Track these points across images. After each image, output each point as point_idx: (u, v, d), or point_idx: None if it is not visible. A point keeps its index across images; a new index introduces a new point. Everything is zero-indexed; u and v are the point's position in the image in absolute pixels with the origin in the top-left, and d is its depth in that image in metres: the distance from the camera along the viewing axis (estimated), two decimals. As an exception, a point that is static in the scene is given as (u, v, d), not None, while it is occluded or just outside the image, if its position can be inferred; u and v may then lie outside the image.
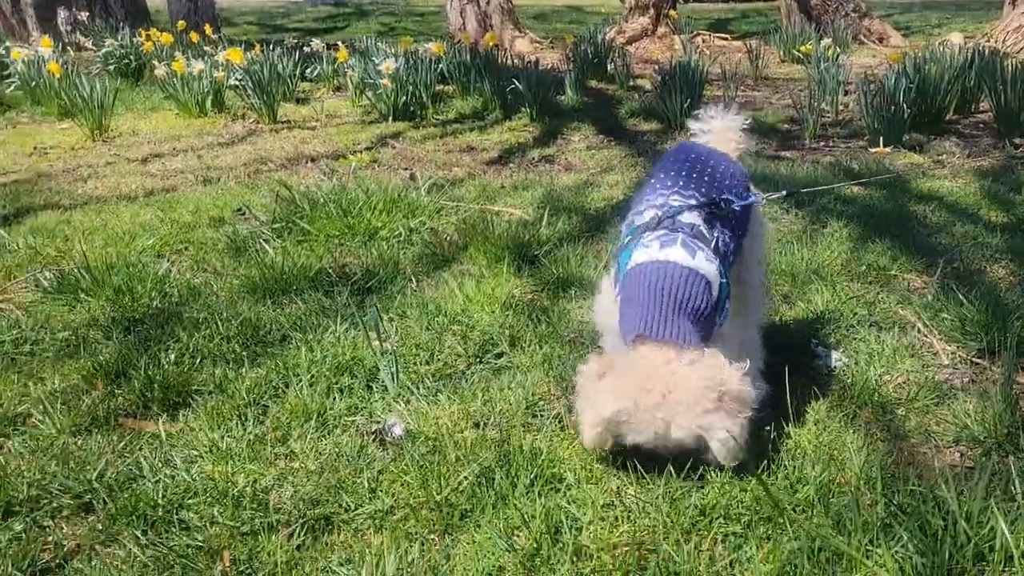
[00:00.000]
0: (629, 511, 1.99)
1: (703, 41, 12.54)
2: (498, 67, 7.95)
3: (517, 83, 7.26)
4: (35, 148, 6.46)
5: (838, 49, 8.42)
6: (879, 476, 2.03)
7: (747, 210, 2.43)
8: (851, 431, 2.31)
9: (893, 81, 5.96)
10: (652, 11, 11.98)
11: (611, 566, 1.83)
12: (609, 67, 8.99)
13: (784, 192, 2.99)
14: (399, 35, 11.68)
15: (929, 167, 5.43)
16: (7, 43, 9.57)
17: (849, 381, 2.61)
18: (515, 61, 8.32)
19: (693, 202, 2.28)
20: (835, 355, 2.80)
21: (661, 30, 12.00)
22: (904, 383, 2.63)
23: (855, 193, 4.76)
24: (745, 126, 2.66)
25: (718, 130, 2.64)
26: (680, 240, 2.16)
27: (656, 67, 8.17)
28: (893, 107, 5.83)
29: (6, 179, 5.48)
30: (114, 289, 3.33)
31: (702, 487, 2.06)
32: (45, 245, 3.99)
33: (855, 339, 2.92)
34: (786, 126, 6.87)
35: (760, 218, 2.62)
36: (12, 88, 8.10)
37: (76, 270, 3.46)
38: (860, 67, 8.63)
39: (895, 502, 1.93)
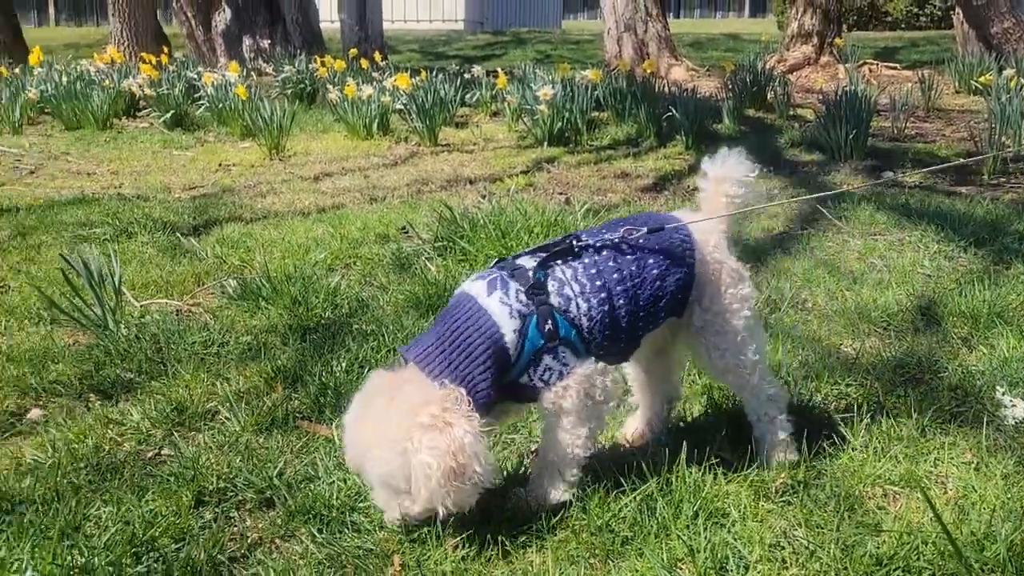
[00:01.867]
0: (798, 554, 1.92)
1: (870, 70, 12.02)
2: (654, 94, 7.94)
3: (673, 110, 7.22)
4: (220, 165, 7.00)
5: (1022, 80, 7.85)
6: (1080, 540, 1.86)
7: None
8: (1045, 489, 2.14)
9: (1089, 114, 5.51)
10: (815, 39, 11.64)
11: (779, 609, 1.77)
12: (768, 96, 8.78)
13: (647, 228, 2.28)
14: (555, 62, 11.87)
15: None
16: (199, 68, 10.43)
17: (1041, 435, 2.42)
18: (671, 89, 8.28)
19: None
20: (1023, 405, 2.60)
21: (824, 59, 11.62)
22: (1106, 442, 2.41)
23: (1043, 233, 4.42)
24: (746, 176, 2.35)
25: (713, 180, 2.37)
26: (491, 278, 2.09)
27: (819, 96, 7.91)
28: (1088, 142, 5.39)
29: (196, 193, 5.97)
30: (291, 299, 3.55)
31: (878, 535, 1.96)
32: (230, 255, 4.31)
33: (1047, 390, 2.71)
34: (961, 160, 6.47)
35: (725, 284, 2.41)
36: (202, 109, 8.81)
37: (257, 279, 3.71)
38: (1047, 99, 8.01)
39: (1100, 571, 1.78)
